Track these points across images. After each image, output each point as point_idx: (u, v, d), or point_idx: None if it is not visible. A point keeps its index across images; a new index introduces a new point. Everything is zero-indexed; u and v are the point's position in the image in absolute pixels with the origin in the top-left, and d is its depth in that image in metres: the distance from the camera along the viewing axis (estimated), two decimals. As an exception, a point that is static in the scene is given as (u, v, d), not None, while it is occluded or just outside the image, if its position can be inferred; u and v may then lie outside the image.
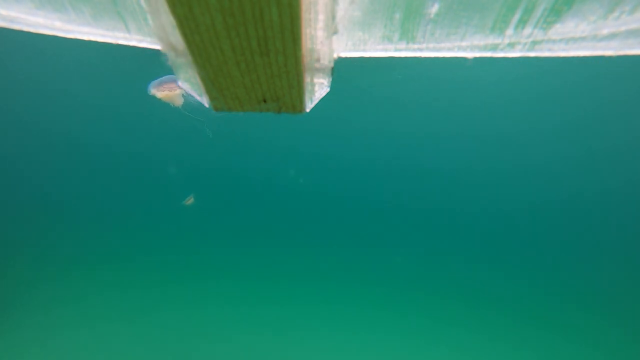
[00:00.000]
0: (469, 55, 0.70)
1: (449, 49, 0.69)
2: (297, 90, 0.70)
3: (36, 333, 8.72)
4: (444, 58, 0.72)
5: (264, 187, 13.82)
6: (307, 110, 0.79)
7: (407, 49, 0.70)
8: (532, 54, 0.68)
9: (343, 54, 0.73)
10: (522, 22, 0.62)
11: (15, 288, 9.80)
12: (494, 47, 0.67)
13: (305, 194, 13.83)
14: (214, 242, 12.63)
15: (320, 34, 0.64)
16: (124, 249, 11.91)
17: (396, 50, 0.71)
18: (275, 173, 13.79)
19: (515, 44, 0.66)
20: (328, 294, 11.71)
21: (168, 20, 0.57)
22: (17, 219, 11.50)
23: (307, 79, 0.71)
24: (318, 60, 0.69)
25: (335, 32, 0.65)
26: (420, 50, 0.70)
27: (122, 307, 10.22)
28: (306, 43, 0.62)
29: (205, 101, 0.77)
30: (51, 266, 10.90)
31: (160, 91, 5.95)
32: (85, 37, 0.78)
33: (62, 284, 10.52)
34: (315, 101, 0.79)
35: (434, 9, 0.62)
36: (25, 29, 0.78)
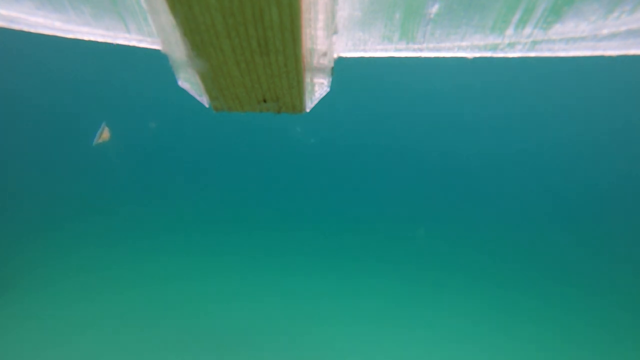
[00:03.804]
0: (469, 55, 0.70)
1: (449, 49, 0.69)
2: (297, 90, 0.70)
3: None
4: (444, 58, 0.72)
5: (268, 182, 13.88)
6: (307, 110, 0.79)
7: (407, 49, 0.70)
8: (532, 54, 0.68)
9: (343, 54, 0.73)
10: (522, 22, 0.62)
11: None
12: (494, 47, 0.67)
13: (310, 191, 13.86)
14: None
15: (320, 34, 0.64)
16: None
17: (396, 50, 0.71)
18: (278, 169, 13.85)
19: (515, 44, 0.66)
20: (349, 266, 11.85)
21: (168, 20, 0.57)
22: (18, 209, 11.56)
23: (307, 79, 0.71)
24: (318, 60, 0.69)
25: (335, 32, 0.65)
26: (420, 50, 0.70)
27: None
28: (306, 43, 0.62)
29: (205, 101, 0.76)
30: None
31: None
32: (85, 37, 0.78)
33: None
34: (315, 101, 0.79)
35: (434, 9, 0.62)
36: (25, 29, 0.77)
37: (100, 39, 0.78)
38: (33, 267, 10.16)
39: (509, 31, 0.64)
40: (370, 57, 0.74)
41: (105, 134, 7.41)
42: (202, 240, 12.29)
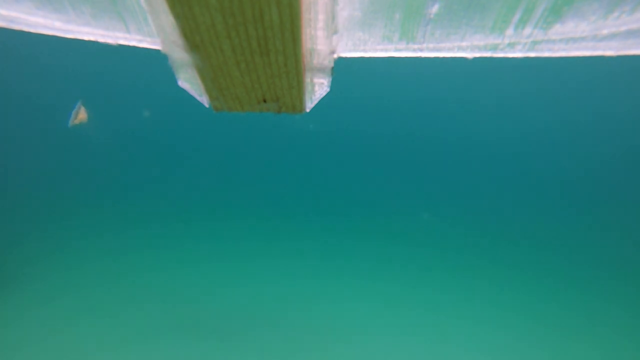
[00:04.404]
0: (469, 55, 0.70)
1: (449, 49, 0.69)
2: (297, 90, 0.70)
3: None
4: (444, 58, 0.72)
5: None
6: (307, 110, 0.79)
7: (407, 49, 0.70)
8: (532, 54, 0.68)
9: (343, 54, 0.73)
10: (522, 22, 0.62)
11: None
12: (494, 47, 0.67)
13: (310, 190, 13.88)
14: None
15: (320, 34, 0.64)
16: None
17: (396, 50, 0.71)
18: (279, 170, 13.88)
19: (515, 44, 0.66)
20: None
21: (168, 20, 0.57)
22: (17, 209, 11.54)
23: (307, 79, 0.71)
24: (318, 60, 0.69)
25: (335, 32, 0.65)
26: (420, 50, 0.70)
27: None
28: (306, 43, 0.62)
29: (205, 101, 0.76)
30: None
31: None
32: (85, 37, 0.78)
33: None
34: (315, 101, 0.79)
35: (434, 9, 0.62)
36: (25, 29, 0.77)
37: (100, 39, 0.78)
38: (21, 263, 10.06)
39: (509, 31, 0.64)
40: (370, 57, 0.74)
41: (82, 114, 6.53)
42: (203, 232, 12.31)
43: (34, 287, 9.35)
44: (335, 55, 0.71)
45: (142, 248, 11.18)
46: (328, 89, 0.77)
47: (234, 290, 10.19)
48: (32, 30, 0.77)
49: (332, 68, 0.71)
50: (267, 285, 10.53)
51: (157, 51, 0.70)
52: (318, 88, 0.76)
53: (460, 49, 0.68)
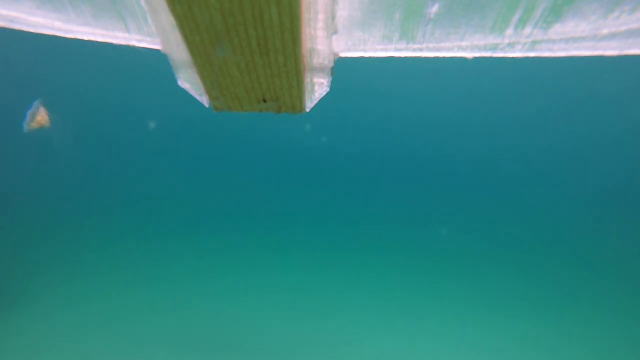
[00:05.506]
0: (469, 55, 0.70)
1: (449, 49, 0.69)
2: (297, 90, 0.70)
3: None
4: (444, 58, 0.72)
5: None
6: (307, 110, 0.79)
7: (407, 49, 0.70)
8: (532, 54, 0.68)
9: (343, 54, 0.73)
10: (522, 22, 0.62)
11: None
12: (494, 47, 0.67)
13: (310, 191, 13.86)
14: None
15: (320, 34, 0.64)
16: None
17: (396, 50, 0.71)
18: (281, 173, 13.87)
19: (515, 44, 0.66)
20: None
21: (168, 20, 0.57)
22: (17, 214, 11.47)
23: (307, 79, 0.71)
24: (318, 60, 0.69)
25: (335, 32, 0.65)
26: (420, 50, 0.70)
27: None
28: (306, 43, 0.62)
29: (205, 101, 0.77)
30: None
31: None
32: (85, 37, 0.78)
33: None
34: (315, 101, 0.79)
35: (434, 9, 0.62)
36: (25, 29, 0.78)
37: (100, 39, 0.78)
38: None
39: (509, 31, 0.64)
40: (370, 57, 0.75)
41: (41, 117, 5.45)
42: (204, 241, 12.28)
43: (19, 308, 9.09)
44: (336, 55, 0.72)
45: (136, 260, 11.12)
46: (328, 89, 0.77)
47: (230, 301, 10.11)
48: (32, 30, 0.78)
49: (332, 68, 0.71)
50: (270, 294, 10.48)
51: (157, 51, 0.70)
52: (318, 88, 0.76)
53: (460, 49, 0.68)
